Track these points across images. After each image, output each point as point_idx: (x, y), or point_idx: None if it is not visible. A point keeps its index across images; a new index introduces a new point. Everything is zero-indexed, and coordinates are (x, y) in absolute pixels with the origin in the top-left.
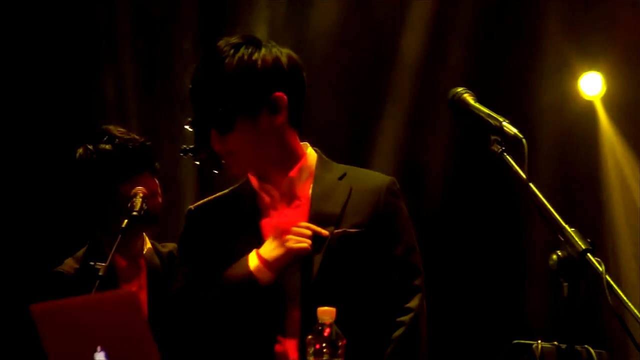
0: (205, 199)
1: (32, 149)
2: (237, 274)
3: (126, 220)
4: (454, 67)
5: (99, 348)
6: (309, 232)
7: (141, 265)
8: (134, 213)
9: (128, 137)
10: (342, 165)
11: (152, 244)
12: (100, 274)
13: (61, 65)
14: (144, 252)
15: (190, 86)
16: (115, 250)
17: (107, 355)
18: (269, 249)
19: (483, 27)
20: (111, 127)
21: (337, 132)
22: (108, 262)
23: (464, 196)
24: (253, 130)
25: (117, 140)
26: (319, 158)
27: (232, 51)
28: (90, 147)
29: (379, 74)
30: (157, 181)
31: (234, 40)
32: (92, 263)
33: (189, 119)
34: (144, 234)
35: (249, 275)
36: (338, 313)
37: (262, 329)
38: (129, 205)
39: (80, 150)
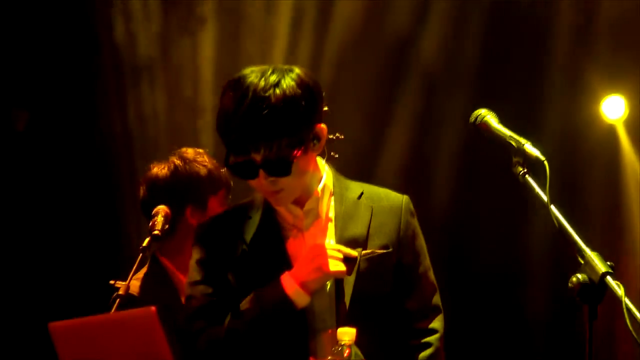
0: (216, 214)
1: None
2: (271, 297)
3: (147, 239)
4: (473, 88)
5: None
6: (341, 255)
7: None
8: (155, 232)
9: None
10: (356, 183)
11: None
12: (120, 292)
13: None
14: None
15: (230, 129)
16: (136, 268)
17: None
18: (306, 271)
19: (505, 50)
20: (189, 149)
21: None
22: (128, 281)
23: (469, 200)
24: (304, 166)
25: (209, 158)
26: (335, 175)
27: (272, 90)
28: (189, 162)
29: (391, 83)
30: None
31: (267, 73)
32: (112, 282)
33: (233, 158)
34: None
35: (286, 299)
36: (369, 333)
37: (293, 351)
38: (150, 224)
39: (177, 163)
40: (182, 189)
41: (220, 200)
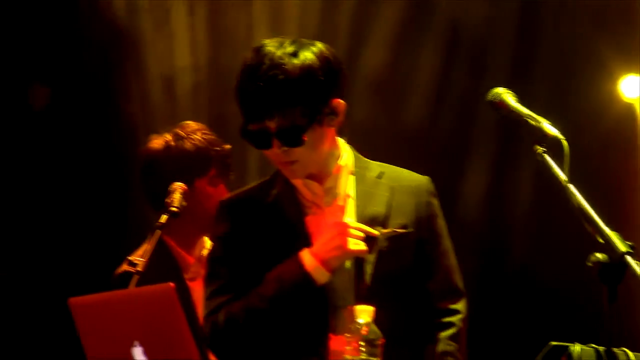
0: (237, 192)
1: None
2: (291, 273)
3: (165, 216)
4: (493, 69)
5: (136, 343)
6: (362, 234)
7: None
8: (173, 209)
9: (213, 135)
10: (376, 163)
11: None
12: (138, 269)
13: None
14: (204, 251)
15: (246, 96)
16: (152, 246)
17: (144, 350)
18: (327, 249)
19: (521, 30)
20: (192, 123)
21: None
22: (148, 258)
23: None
24: (319, 138)
25: (205, 136)
26: (355, 155)
27: (289, 59)
28: (180, 138)
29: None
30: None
31: (285, 43)
32: (130, 258)
33: (249, 126)
34: None
35: (306, 276)
36: (389, 311)
37: (314, 328)
38: (168, 201)
39: (168, 139)
40: (169, 168)
41: (209, 180)
